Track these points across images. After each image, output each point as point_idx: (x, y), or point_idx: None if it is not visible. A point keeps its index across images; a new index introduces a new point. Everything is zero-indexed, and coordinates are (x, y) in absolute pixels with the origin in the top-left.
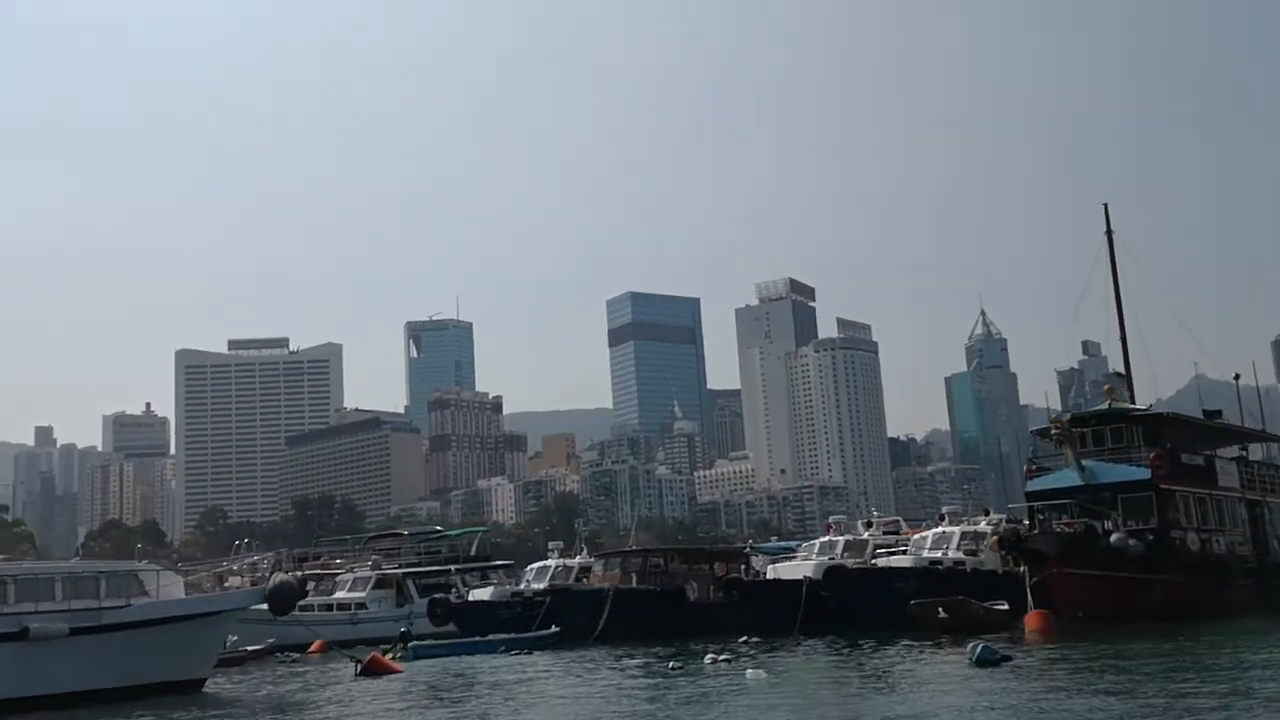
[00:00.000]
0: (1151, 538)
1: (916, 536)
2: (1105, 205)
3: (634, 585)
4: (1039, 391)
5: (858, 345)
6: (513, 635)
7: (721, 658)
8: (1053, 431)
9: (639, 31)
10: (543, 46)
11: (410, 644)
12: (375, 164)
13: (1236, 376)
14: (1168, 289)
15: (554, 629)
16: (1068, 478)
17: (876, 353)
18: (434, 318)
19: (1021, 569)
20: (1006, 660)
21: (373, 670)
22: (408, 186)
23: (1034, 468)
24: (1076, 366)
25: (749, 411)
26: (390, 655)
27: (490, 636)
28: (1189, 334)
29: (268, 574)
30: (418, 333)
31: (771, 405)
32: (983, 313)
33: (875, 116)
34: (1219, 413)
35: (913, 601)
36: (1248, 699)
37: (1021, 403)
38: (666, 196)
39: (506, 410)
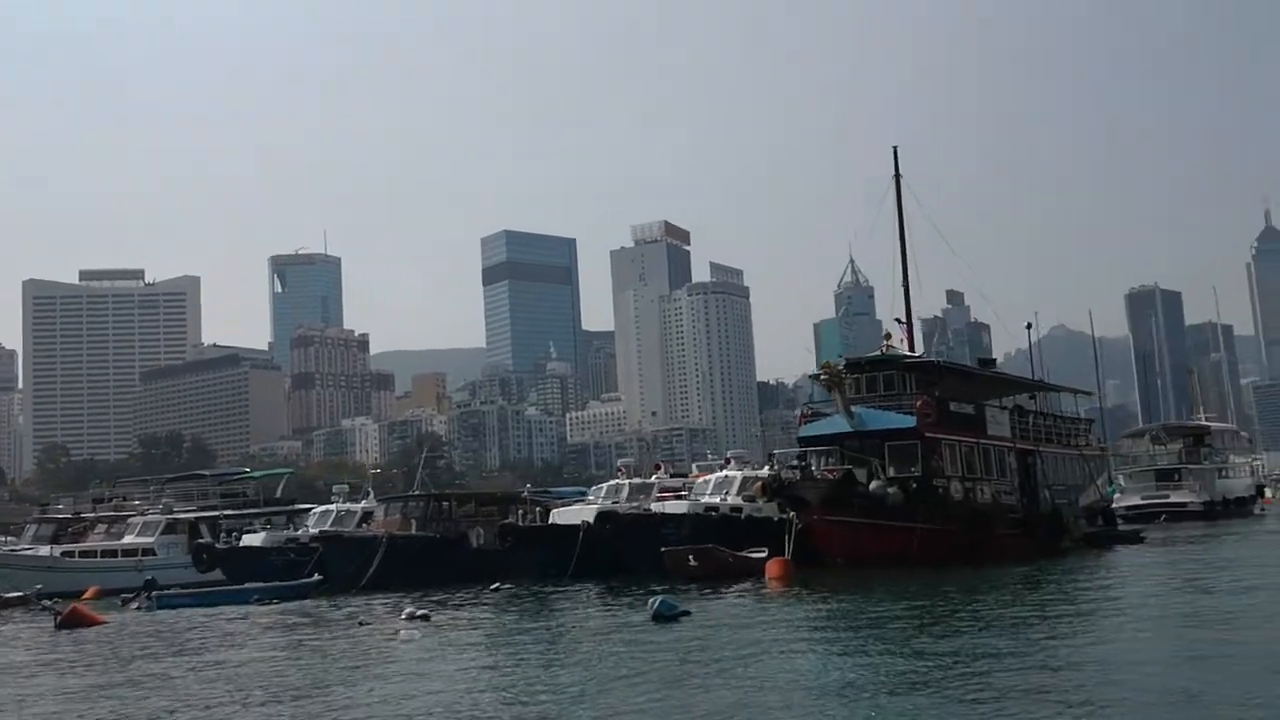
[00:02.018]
0: (914, 485)
1: (699, 481)
2: (895, 148)
3: (413, 531)
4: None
5: (730, 290)
6: (269, 584)
7: (420, 613)
8: (821, 376)
9: None
10: None
11: (154, 593)
12: (240, 92)
13: (1029, 325)
14: (1037, 242)
15: (316, 578)
16: (838, 424)
17: (748, 298)
18: (300, 252)
19: (790, 515)
20: (685, 615)
21: (73, 622)
22: (276, 117)
23: (809, 412)
24: (940, 315)
25: (622, 353)
26: (135, 605)
27: (246, 585)
28: (1042, 285)
29: None
30: (282, 267)
31: (644, 347)
32: (851, 260)
33: (754, 61)
34: (993, 361)
35: (663, 549)
36: (914, 645)
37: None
38: (545, 135)
39: (377, 349)
